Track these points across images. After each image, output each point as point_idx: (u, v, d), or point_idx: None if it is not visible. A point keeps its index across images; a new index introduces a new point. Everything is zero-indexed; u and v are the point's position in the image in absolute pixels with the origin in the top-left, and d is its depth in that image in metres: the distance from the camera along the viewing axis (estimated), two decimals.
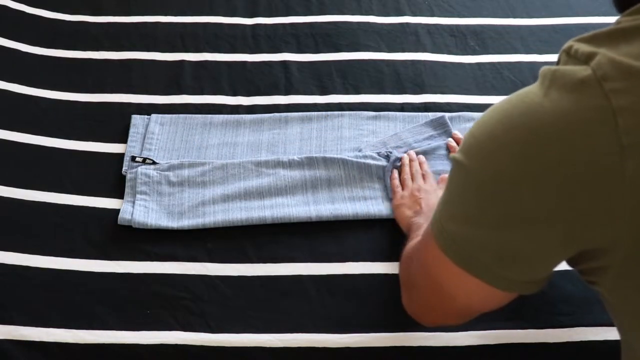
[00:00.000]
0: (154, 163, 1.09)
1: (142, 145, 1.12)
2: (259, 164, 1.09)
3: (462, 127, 1.17)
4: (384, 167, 1.08)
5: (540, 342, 0.91)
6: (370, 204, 1.05)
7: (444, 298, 0.65)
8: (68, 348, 0.88)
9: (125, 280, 0.95)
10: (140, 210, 1.02)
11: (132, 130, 1.14)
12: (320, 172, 1.08)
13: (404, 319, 0.93)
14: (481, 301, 0.63)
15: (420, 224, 0.87)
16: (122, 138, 1.14)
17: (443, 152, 1.11)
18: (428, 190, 0.99)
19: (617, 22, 0.53)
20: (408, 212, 0.96)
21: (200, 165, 1.09)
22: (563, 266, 0.99)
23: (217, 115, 1.18)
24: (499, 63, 1.29)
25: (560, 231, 0.52)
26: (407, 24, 1.37)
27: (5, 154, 1.10)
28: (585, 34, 0.54)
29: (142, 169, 1.07)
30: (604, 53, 0.49)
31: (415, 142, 1.13)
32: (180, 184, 1.07)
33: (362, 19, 1.38)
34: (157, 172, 1.07)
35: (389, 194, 1.06)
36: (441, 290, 0.64)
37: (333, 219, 1.03)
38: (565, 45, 0.55)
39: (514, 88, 1.24)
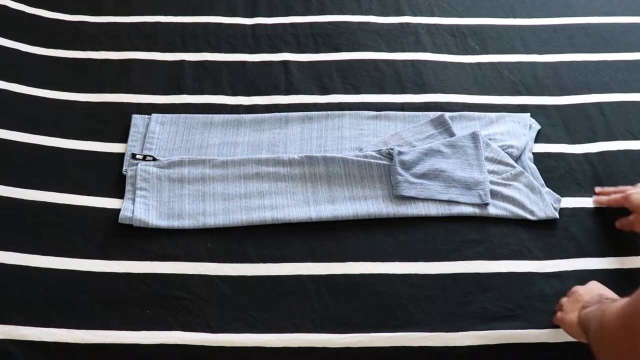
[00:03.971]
0: (154, 160, 1.09)
1: (143, 144, 1.12)
2: (259, 162, 1.09)
3: (463, 125, 1.17)
4: (387, 166, 1.08)
5: (540, 342, 0.91)
6: (370, 203, 1.05)
7: None
8: (68, 348, 0.88)
9: (125, 280, 0.95)
10: (141, 207, 1.02)
11: (132, 129, 1.14)
12: (320, 171, 1.08)
13: (404, 319, 0.93)
14: None
15: (598, 309, 0.78)
16: (122, 138, 1.14)
17: (445, 150, 1.11)
18: (580, 290, 0.91)
19: None
20: (573, 315, 0.87)
21: (201, 162, 1.09)
22: (562, 267, 1.00)
23: (217, 115, 1.18)
24: (499, 63, 1.29)
25: None
26: (407, 24, 1.37)
27: (5, 153, 1.10)
28: None
29: (142, 165, 1.08)
30: None
31: (417, 142, 1.13)
32: (180, 180, 1.07)
33: (362, 19, 1.38)
34: (157, 169, 1.07)
35: (394, 192, 1.06)
36: None
37: (333, 219, 1.03)
38: None
39: (514, 88, 1.25)
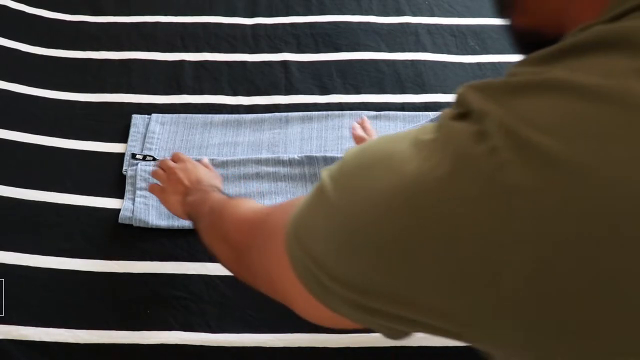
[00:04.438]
0: (154, 160, 1.09)
1: (143, 144, 1.12)
2: (259, 162, 1.09)
3: None
4: None
5: None
6: None
7: (287, 302, 0.52)
8: (68, 348, 0.88)
9: (125, 280, 0.95)
10: (141, 207, 1.02)
11: (132, 129, 1.14)
12: (320, 171, 1.08)
13: None
14: (332, 322, 0.50)
15: (200, 199, 0.81)
16: (122, 138, 1.14)
17: None
18: (179, 173, 0.93)
19: (512, 74, 0.38)
20: (175, 198, 0.91)
21: None
22: None
23: (217, 115, 1.18)
24: (499, 63, 1.29)
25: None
26: (407, 24, 1.37)
27: (5, 153, 1.10)
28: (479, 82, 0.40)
29: (142, 165, 1.08)
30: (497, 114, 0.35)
31: None
32: None
33: (362, 19, 1.38)
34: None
35: None
36: (284, 297, 0.51)
37: None
38: (460, 90, 0.41)
39: None
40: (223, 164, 1.09)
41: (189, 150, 1.13)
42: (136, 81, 1.24)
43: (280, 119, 1.17)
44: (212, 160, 1.09)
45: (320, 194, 0.43)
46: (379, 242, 0.37)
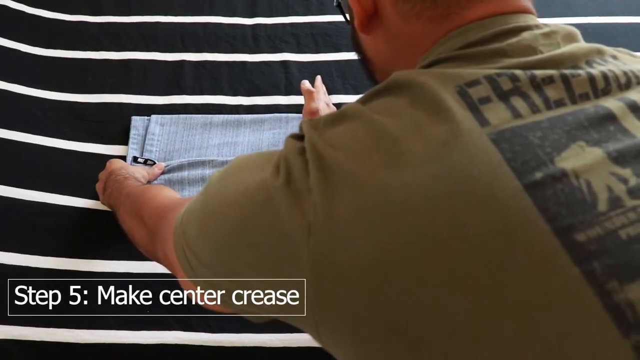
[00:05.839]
0: (155, 164, 1.09)
1: (143, 146, 1.12)
2: None
3: None
4: None
5: None
6: None
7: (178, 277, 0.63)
8: (68, 348, 0.88)
9: (126, 281, 0.95)
10: None
11: (132, 132, 1.14)
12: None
13: None
14: (208, 304, 0.61)
15: (116, 190, 0.93)
16: (122, 139, 1.14)
17: None
18: (103, 171, 1.04)
19: (342, 107, 0.50)
20: (101, 197, 1.02)
21: (201, 164, 1.09)
22: None
23: (217, 115, 1.18)
24: None
25: None
26: None
27: (5, 153, 1.10)
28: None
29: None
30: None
31: None
32: (181, 182, 1.07)
33: None
34: None
35: None
36: (175, 274, 0.64)
37: None
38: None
39: None
40: (223, 164, 1.09)
41: (188, 151, 1.13)
42: (136, 81, 1.24)
43: (280, 119, 1.17)
44: (212, 162, 1.09)
45: (205, 189, 0.54)
46: (222, 228, 0.49)
